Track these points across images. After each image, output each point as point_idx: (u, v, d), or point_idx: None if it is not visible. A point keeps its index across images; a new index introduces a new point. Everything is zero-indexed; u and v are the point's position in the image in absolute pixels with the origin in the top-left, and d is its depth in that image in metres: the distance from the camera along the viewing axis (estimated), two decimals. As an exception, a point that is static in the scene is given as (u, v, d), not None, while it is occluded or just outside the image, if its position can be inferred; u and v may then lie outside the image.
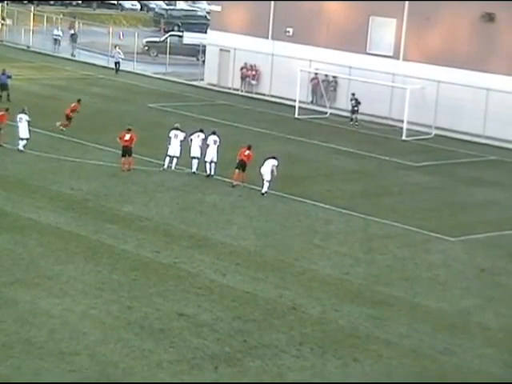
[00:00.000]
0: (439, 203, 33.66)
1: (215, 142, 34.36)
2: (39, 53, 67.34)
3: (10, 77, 46.57)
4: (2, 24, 73.50)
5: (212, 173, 34.35)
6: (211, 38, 59.31)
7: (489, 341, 21.00)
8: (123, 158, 34.20)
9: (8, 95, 45.90)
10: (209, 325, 20.61)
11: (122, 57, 61.16)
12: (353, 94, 48.18)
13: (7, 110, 37.45)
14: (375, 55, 50.21)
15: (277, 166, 32.87)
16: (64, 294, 21.92)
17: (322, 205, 31.91)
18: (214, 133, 35.19)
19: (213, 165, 34.34)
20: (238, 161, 33.21)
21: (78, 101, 40.84)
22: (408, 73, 47.57)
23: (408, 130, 45.06)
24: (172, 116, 44.12)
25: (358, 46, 50.52)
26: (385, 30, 50.19)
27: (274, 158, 33.13)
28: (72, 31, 70.65)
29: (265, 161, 33.04)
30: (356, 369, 18.90)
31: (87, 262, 24.25)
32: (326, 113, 49.35)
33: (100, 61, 65.43)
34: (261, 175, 32.86)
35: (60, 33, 68.68)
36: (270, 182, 32.72)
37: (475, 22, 46.37)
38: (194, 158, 34.64)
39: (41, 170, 33.85)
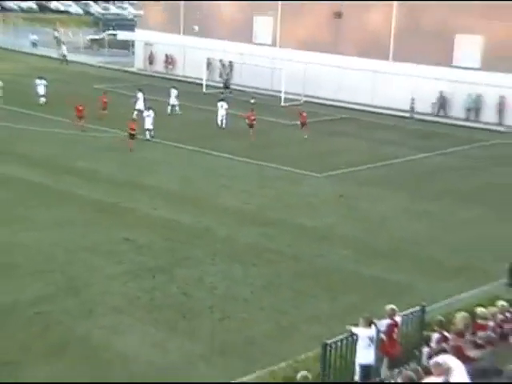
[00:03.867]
0: (309, 151, 33.92)
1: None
2: (11, 49, 64.02)
3: None
4: None
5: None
6: (138, 35, 58.44)
7: (346, 245, 21.57)
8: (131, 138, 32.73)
9: None
10: (147, 246, 20.77)
11: (66, 52, 59.29)
12: (227, 75, 49.46)
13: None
14: (259, 44, 50.29)
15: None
16: (36, 229, 21.78)
17: (226, 155, 31.93)
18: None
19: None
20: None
21: (105, 93, 38.77)
22: (283, 57, 47.78)
23: (285, 98, 45.28)
24: (112, 94, 43.18)
25: (246, 37, 50.54)
26: (265, 25, 50.26)
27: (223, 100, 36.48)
28: (58, 35, 66.13)
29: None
30: (254, 271, 19.36)
31: (52, 205, 24.01)
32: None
33: (54, 54, 63.17)
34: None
35: (36, 37, 65.14)
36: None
37: (329, 18, 46.79)
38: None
39: (7, 137, 32.89)
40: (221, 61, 51.79)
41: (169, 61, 55.48)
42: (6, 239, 20.78)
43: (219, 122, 37.35)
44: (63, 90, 44.60)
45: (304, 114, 36.60)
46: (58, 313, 16.51)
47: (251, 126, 35.49)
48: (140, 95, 38.62)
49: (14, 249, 20.09)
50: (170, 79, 51.98)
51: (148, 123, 33.51)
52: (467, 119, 42.14)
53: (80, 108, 34.59)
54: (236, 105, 41.19)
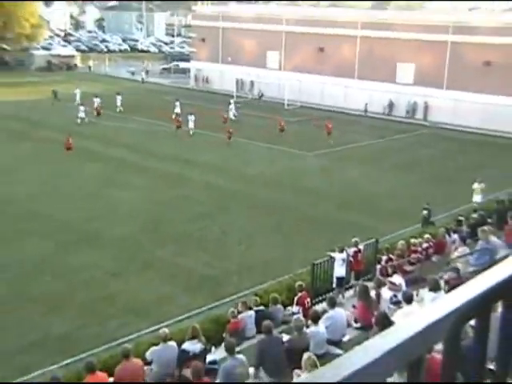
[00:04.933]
0: (303, 138, 32.53)
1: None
2: (114, 76, 62.25)
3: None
4: (93, 63, 67.01)
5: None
6: (192, 64, 57.82)
7: (329, 200, 21.02)
8: (177, 129, 32.25)
9: None
10: (198, 200, 20.34)
11: (144, 76, 58.72)
12: (260, 90, 47.61)
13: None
14: (270, 69, 49.60)
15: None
16: (127, 189, 21.46)
17: (247, 141, 30.80)
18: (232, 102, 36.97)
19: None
20: None
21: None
22: (286, 77, 47.04)
23: (287, 104, 44.48)
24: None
25: (261, 64, 49.61)
26: (274, 57, 49.52)
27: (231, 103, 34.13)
28: (145, 66, 64.11)
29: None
30: (269, 217, 18.92)
31: (137, 175, 23.66)
32: (249, 97, 48.46)
33: (139, 78, 62.31)
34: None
35: (133, 68, 63.32)
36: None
37: (315, 51, 45.94)
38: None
39: (108, 131, 32.26)
40: (241, 79, 50.89)
41: (204, 80, 55.06)
42: (111, 196, 20.83)
43: (232, 117, 36.04)
44: (143, 100, 44.35)
45: (330, 126, 32.29)
46: (145, 242, 16.68)
47: (282, 130, 32.46)
48: (178, 103, 36.37)
49: (117, 202, 20.16)
50: (210, 92, 51.38)
51: (191, 124, 31.90)
52: (406, 117, 41.82)
53: (178, 120, 32.54)
54: (257, 108, 40.54)
